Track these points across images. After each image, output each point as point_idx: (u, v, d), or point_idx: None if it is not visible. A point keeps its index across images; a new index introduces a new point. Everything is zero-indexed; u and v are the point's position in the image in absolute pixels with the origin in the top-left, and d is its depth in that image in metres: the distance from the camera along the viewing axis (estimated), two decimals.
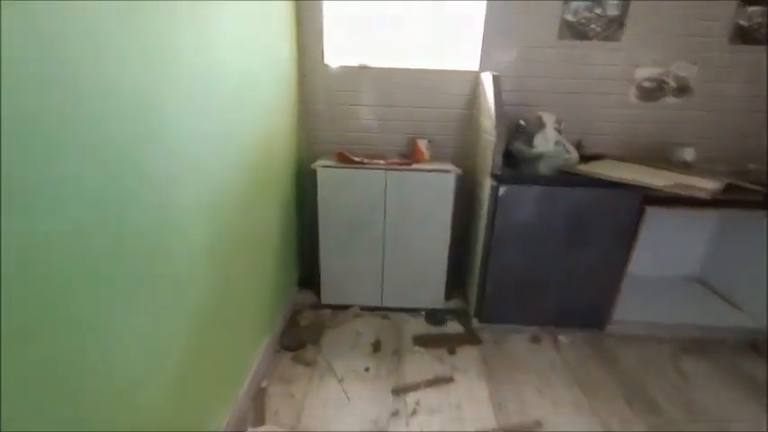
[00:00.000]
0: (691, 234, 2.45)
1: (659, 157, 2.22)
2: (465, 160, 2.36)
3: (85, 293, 0.72)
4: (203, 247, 1.15)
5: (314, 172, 2.02)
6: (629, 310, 2.11)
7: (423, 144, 2.23)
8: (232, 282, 1.39)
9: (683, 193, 1.62)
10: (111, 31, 0.74)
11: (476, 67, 2.22)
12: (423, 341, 2.04)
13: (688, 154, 2.08)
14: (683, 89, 2.17)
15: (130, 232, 0.83)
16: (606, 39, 2.08)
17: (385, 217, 2.09)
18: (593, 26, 2.06)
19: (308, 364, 1.86)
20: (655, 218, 1.88)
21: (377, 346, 1.99)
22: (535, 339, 2.09)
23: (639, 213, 1.86)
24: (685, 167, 2.05)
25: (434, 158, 2.29)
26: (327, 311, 2.28)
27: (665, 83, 2.16)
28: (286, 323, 2.13)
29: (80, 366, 0.71)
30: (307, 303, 2.34)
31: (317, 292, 2.29)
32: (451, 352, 1.96)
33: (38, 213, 0.60)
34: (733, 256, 2.33)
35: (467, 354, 1.97)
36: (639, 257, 2.01)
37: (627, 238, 1.91)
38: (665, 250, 2.45)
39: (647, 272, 2.46)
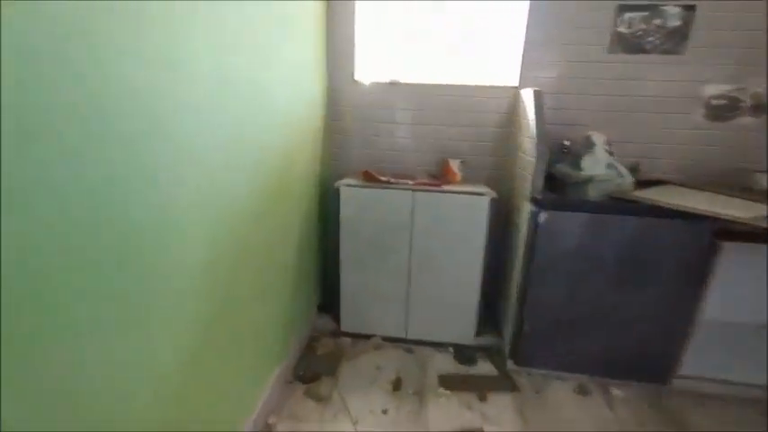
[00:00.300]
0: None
1: (731, 184, 1.92)
2: (501, 183, 2.17)
3: (72, 305, 0.66)
4: (202, 257, 1.05)
5: (337, 191, 1.92)
6: (698, 362, 1.78)
7: (455, 164, 2.08)
8: (237, 301, 1.28)
9: None
10: (117, 30, 0.68)
11: (515, 83, 2.06)
12: (449, 382, 1.82)
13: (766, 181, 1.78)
14: (759, 107, 1.89)
15: (131, 234, 0.77)
16: (666, 52, 1.86)
17: (411, 241, 1.93)
18: (650, 38, 1.85)
19: (321, 399, 1.69)
20: (725, 254, 1.59)
21: (397, 384, 1.80)
22: (582, 390, 1.81)
23: (712, 249, 1.58)
24: (763, 196, 1.74)
25: (467, 180, 2.12)
26: (347, 340, 2.12)
27: (740, 101, 1.88)
28: (302, 350, 1.99)
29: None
30: (326, 329, 2.20)
31: (338, 318, 2.14)
32: (482, 398, 1.73)
33: (38, 213, 0.59)
34: None
35: (500, 401, 1.72)
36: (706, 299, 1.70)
37: (696, 277, 1.63)
38: (735, 292, 2.09)
39: (715, 316, 2.09)
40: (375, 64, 2.18)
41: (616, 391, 1.80)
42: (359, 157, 2.27)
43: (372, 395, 1.73)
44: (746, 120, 1.92)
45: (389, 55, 2.17)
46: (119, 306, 0.76)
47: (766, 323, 1.70)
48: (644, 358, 1.79)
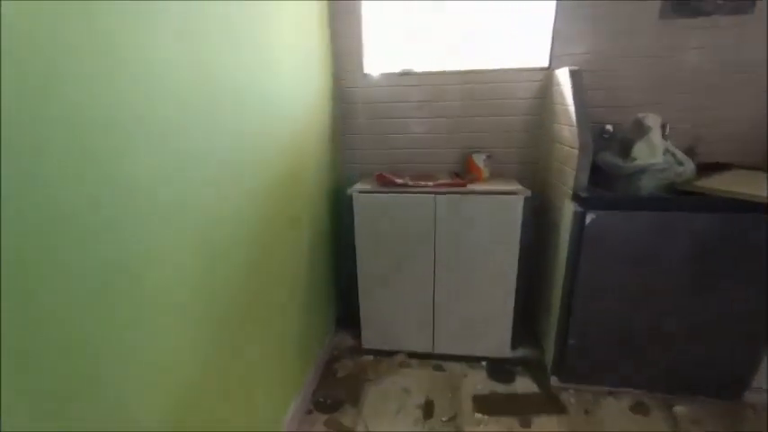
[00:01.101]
0: None
1: None
2: (534, 177, 1.94)
3: None
4: (198, 288, 0.88)
5: (350, 198, 1.72)
6: None
7: (479, 160, 1.85)
8: (243, 333, 1.11)
9: None
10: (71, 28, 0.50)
11: (545, 63, 1.81)
12: (486, 405, 1.62)
13: None
14: None
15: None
16: (731, 12, 1.57)
17: (435, 248, 1.73)
18: None
19: (344, 430, 1.53)
20: None
21: (428, 410, 1.61)
22: (640, 408, 1.58)
23: None
24: None
25: (495, 176, 1.89)
26: (369, 358, 1.94)
27: None
28: (321, 373, 1.83)
29: None
30: (345, 347, 2.04)
31: (358, 334, 1.97)
32: (525, 423, 1.53)
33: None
34: None
35: (545, 426, 1.52)
36: None
37: None
38: None
39: None
40: (386, 54, 1.96)
41: (680, 409, 1.57)
42: (372, 157, 2.06)
43: (401, 424, 1.56)
44: None
45: (401, 43, 1.94)
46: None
47: None
48: (713, 370, 1.55)
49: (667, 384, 1.60)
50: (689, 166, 1.49)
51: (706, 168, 1.59)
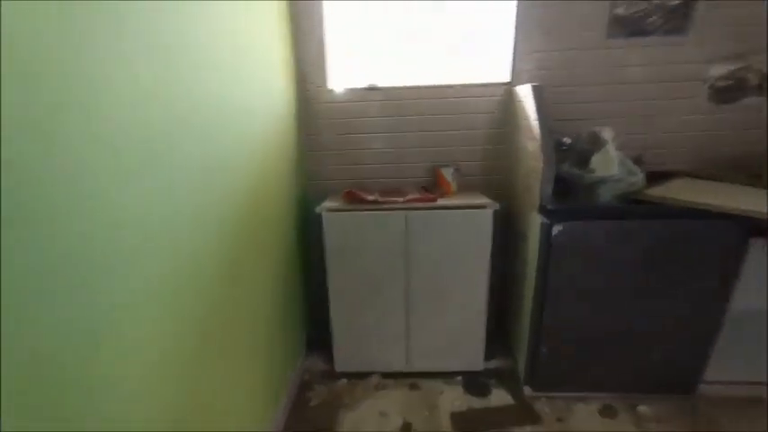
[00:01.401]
0: None
1: (745, 171, 1.79)
2: (500, 190, 1.97)
3: None
4: (156, 344, 0.78)
5: (319, 217, 1.65)
6: (723, 365, 1.64)
7: (448, 173, 1.85)
8: (204, 373, 1.01)
9: None
10: None
11: (506, 78, 1.86)
12: (465, 422, 1.61)
13: None
14: (764, 85, 1.76)
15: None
16: (669, 32, 1.70)
17: (407, 265, 1.70)
18: (652, 18, 1.68)
19: None
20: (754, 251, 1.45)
21: None
22: (608, 412, 1.64)
23: (742, 249, 1.43)
24: None
25: (462, 190, 1.91)
26: (343, 382, 1.87)
27: (745, 80, 1.74)
28: (293, 403, 1.73)
29: None
30: (318, 371, 1.95)
31: (330, 357, 1.89)
32: None
33: None
34: None
35: None
36: None
37: (726, 279, 1.47)
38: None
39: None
40: (350, 69, 1.92)
41: (643, 408, 1.64)
42: (340, 173, 2.01)
43: None
44: (752, 100, 1.78)
45: (365, 59, 1.91)
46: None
47: None
48: (670, 369, 1.64)
49: (631, 386, 1.68)
50: (640, 176, 1.58)
51: (653, 177, 1.70)
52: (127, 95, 0.70)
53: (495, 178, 1.99)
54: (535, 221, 1.52)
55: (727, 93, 1.77)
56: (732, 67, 1.74)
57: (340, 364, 1.88)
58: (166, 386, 0.83)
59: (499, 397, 1.75)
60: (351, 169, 2.00)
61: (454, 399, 1.75)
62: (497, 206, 1.62)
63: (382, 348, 1.84)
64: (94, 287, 0.62)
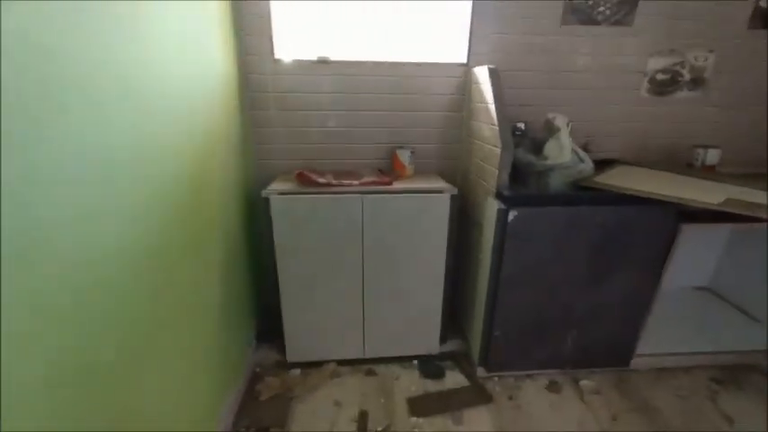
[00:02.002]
0: (703, 244, 2.21)
1: (677, 161, 1.94)
2: (455, 174, 1.96)
3: None
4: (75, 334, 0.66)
5: (267, 201, 1.53)
6: (651, 339, 1.79)
7: (404, 156, 1.80)
8: (138, 376, 0.89)
9: (747, 213, 1.29)
10: None
11: (463, 59, 1.82)
12: (421, 407, 1.61)
13: (712, 156, 1.80)
14: (697, 81, 1.89)
15: None
16: (617, 23, 1.75)
17: (363, 251, 1.64)
18: (601, 8, 1.72)
19: None
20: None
21: (362, 422, 1.54)
22: (554, 387, 1.73)
23: (674, 233, 1.53)
24: (710, 173, 1.76)
25: (418, 173, 1.87)
26: (296, 372, 1.80)
27: (680, 74, 1.86)
28: (241, 399, 1.63)
29: None
30: (269, 363, 1.85)
31: (282, 347, 1.80)
32: (458, 420, 1.55)
33: None
34: (744, 264, 2.10)
35: (477, 419, 1.56)
36: None
37: (659, 262, 1.58)
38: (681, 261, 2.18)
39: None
40: (298, 40, 1.77)
41: (585, 382, 1.75)
42: (288, 153, 1.88)
43: None
44: (684, 94, 1.91)
45: (315, 29, 1.77)
46: None
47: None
48: (608, 345, 1.75)
49: (573, 362, 1.77)
50: (588, 164, 1.63)
51: (597, 164, 1.77)
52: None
53: (451, 162, 1.98)
54: (491, 207, 1.52)
55: (663, 86, 1.88)
56: (671, 61, 1.85)
57: (292, 355, 1.80)
58: (85, 390, 0.70)
59: (454, 379, 1.78)
60: (300, 149, 1.87)
61: (410, 383, 1.75)
62: (455, 191, 1.60)
63: (337, 336, 1.78)
64: None
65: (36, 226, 0.59)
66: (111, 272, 0.78)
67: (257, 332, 1.93)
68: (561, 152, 1.52)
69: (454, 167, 1.98)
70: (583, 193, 1.51)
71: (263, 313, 1.98)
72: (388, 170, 1.89)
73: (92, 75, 0.72)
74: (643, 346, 1.78)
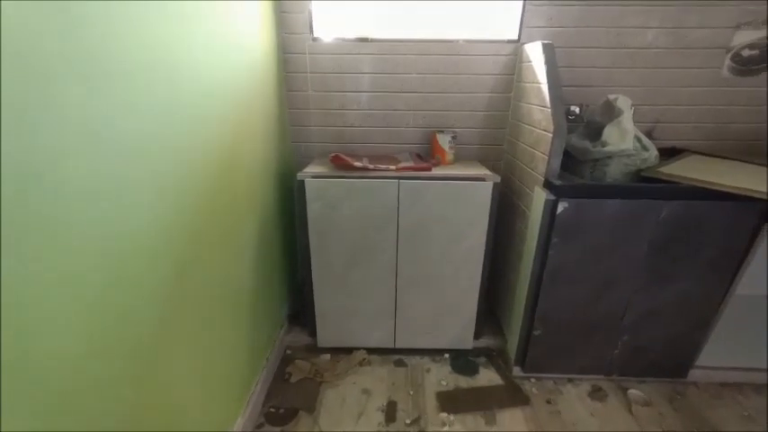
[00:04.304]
0: None
1: (760, 152, 1.69)
2: (497, 161, 1.84)
3: None
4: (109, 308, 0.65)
5: (302, 184, 1.50)
6: (715, 350, 1.60)
7: (445, 141, 1.70)
8: (174, 354, 0.89)
9: None
10: None
11: (514, 36, 1.67)
12: (451, 403, 1.55)
13: None
14: None
15: None
16: None
17: (398, 238, 1.58)
18: None
19: None
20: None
21: (391, 413, 1.51)
22: (597, 395, 1.60)
23: (755, 233, 1.34)
24: None
25: (458, 159, 1.77)
26: (325, 357, 1.79)
27: None
28: (272, 379, 1.64)
29: None
30: (299, 345, 1.86)
31: (313, 331, 1.79)
32: (491, 421, 1.48)
33: None
34: None
35: (511, 420, 1.48)
36: None
37: (733, 265, 1.40)
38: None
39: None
40: (338, 16, 1.70)
41: (633, 392, 1.60)
42: (323, 135, 1.84)
43: (362, 431, 1.43)
44: None
45: (355, 6, 1.69)
46: None
47: None
48: (664, 353, 1.59)
49: (621, 368, 1.63)
50: (653, 152, 1.46)
51: (661, 154, 1.58)
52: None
53: (495, 149, 1.85)
54: (539, 197, 1.39)
55: (750, 63, 1.63)
56: (760, 34, 1.59)
57: (323, 340, 1.79)
58: (121, 365, 0.70)
59: (487, 377, 1.69)
60: (336, 131, 1.82)
61: (441, 377, 1.69)
62: (498, 179, 1.49)
63: (368, 324, 1.75)
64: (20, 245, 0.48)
65: (74, 196, 0.57)
66: (146, 243, 0.77)
67: (288, 314, 1.94)
68: (623, 138, 1.36)
69: (497, 153, 1.85)
70: (646, 185, 1.35)
71: (294, 295, 1.99)
72: (427, 155, 1.80)
73: (124, 46, 0.69)
74: (704, 358, 1.60)
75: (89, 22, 0.61)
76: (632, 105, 1.43)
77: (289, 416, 1.48)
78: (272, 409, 1.51)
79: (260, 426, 1.44)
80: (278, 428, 1.43)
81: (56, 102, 0.55)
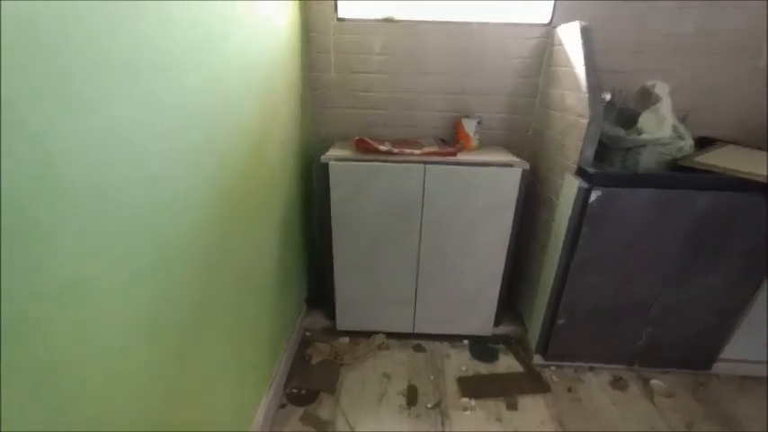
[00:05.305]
0: None
1: None
2: (522, 147, 1.80)
3: None
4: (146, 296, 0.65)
5: (326, 167, 1.48)
6: (741, 343, 1.58)
7: (470, 126, 1.67)
8: (201, 336, 0.90)
9: None
10: None
11: (545, 19, 1.61)
12: (472, 388, 1.56)
13: None
14: None
15: None
16: None
17: (421, 223, 1.57)
18: None
19: (322, 425, 1.40)
20: None
21: (412, 397, 1.52)
22: (619, 384, 1.60)
23: None
24: None
25: (483, 145, 1.73)
26: (345, 340, 1.80)
27: None
28: (293, 361, 1.66)
29: None
30: (318, 328, 1.87)
31: (332, 314, 1.80)
32: (512, 406, 1.48)
33: None
34: None
35: (532, 407, 1.49)
36: None
37: (765, 258, 1.37)
38: None
39: None
40: None
41: (656, 382, 1.60)
42: (345, 118, 1.81)
43: (383, 413, 1.45)
44: None
45: None
46: None
47: None
48: (689, 344, 1.57)
49: (643, 358, 1.62)
50: (688, 141, 1.41)
51: (696, 143, 1.54)
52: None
53: (519, 135, 1.81)
54: (570, 185, 1.36)
55: None
56: None
57: (342, 323, 1.80)
58: (156, 352, 0.70)
59: (507, 363, 1.70)
60: (359, 114, 1.79)
61: (460, 363, 1.69)
62: (527, 165, 1.46)
63: (388, 308, 1.75)
64: (52, 242, 0.47)
65: (120, 178, 0.56)
66: (189, 224, 0.77)
67: (308, 296, 1.95)
68: (660, 126, 1.32)
69: (521, 140, 1.81)
70: (685, 174, 1.31)
71: (314, 277, 1.99)
72: (451, 141, 1.76)
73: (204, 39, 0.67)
74: (730, 350, 1.59)
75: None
76: (670, 92, 1.38)
77: (310, 397, 1.50)
78: (294, 390, 1.53)
79: (283, 406, 1.46)
80: (300, 409, 1.45)
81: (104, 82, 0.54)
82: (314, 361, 1.68)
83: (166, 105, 0.68)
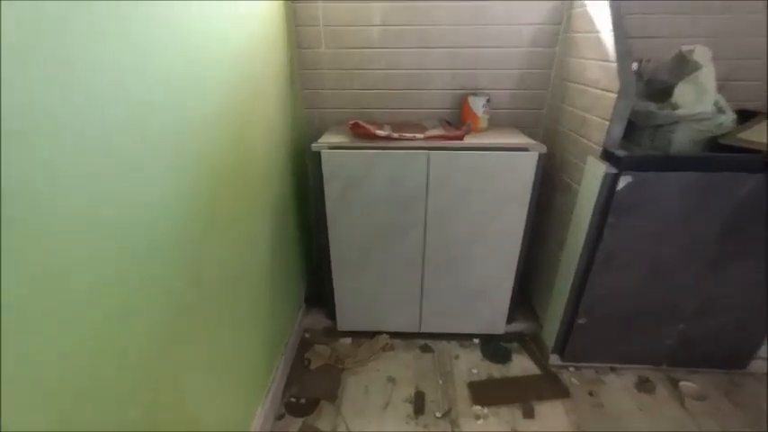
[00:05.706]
0: None
1: None
2: (535, 127, 1.63)
3: None
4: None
5: (318, 156, 1.33)
6: None
7: (478, 105, 1.49)
8: (186, 349, 0.77)
9: None
10: None
11: None
12: (484, 394, 1.43)
13: None
14: None
15: None
16: None
17: (426, 215, 1.42)
18: None
19: None
20: None
21: (419, 404, 1.40)
22: (645, 386, 1.46)
23: None
24: None
25: (491, 125, 1.56)
26: (346, 341, 1.68)
27: None
28: (291, 366, 1.55)
29: None
30: (318, 329, 1.75)
31: (333, 313, 1.68)
32: (529, 414, 1.36)
33: None
34: None
35: (550, 414, 1.36)
36: None
37: None
38: None
39: None
40: None
41: (686, 384, 1.46)
42: (339, 100, 1.64)
43: (389, 423, 1.33)
44: None
45: None
46: None
47: None
48: (724, 342, 1.43)
49: (672, 358, 1.48)
50: (729, 116, 1.23)
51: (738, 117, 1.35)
52: None
53: (532, 112, 1.63)
54: (594, 170, 1.20)
55: None
56: None
57: (343, 323, 1.68)
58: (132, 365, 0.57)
59: (521, 364, 1.57)
60: (354, 95, 1.62)
61: (471, 365, 1.57)
62: (544, 149, 1.29)
63: (392, 306, 1.62)
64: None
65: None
66: (155, 219, 0.62)
67: (306, 296, 1.83)
68: (701, 99, 1.14)
69: (534, 118, 1.63)
70: (730, 155, 1.14)
71: (312, 276, 1.86)
72: (456, 122, 1.59)
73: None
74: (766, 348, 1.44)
75: None
76: (711, 58, 1.19)
77: (310, 406, 1.39)
78: (293, 399, 1.41)
79: (281, 417, 1.35)
80: (299, 420, 1.34)
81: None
82: (313, 366, 1.56)
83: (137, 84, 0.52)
